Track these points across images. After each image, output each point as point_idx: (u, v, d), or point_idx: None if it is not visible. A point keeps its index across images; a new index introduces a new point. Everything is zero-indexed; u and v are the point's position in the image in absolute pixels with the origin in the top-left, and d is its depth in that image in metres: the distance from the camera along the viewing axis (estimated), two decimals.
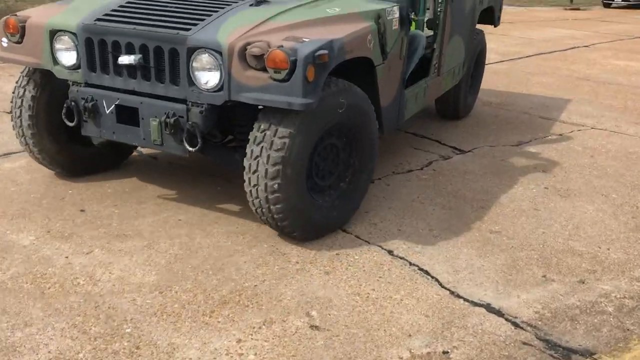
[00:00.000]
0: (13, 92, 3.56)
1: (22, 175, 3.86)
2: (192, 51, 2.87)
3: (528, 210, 3.76)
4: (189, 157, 3.29)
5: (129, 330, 2.39)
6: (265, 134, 2.84)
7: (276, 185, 2.85)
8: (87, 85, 3.21)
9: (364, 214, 3.55)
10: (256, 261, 2.97)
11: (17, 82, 3.55)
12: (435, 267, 3.02)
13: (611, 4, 24.06)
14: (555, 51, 10.72)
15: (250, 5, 3.13)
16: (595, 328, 2.58)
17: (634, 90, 7.53)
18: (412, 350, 2.36)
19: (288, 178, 2.86)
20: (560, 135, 5.42)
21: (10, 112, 3.58)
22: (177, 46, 2.89)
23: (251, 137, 2.90)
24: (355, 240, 3.24)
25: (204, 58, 2.84)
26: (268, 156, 2.82)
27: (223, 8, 3.08)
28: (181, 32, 2.90)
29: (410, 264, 3.04)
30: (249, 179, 2.93)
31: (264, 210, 2.97)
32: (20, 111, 3.49)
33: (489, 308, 2.68)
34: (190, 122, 2.95)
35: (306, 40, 2.76)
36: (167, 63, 2.95)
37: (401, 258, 3.09)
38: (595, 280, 2.97)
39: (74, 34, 3.15)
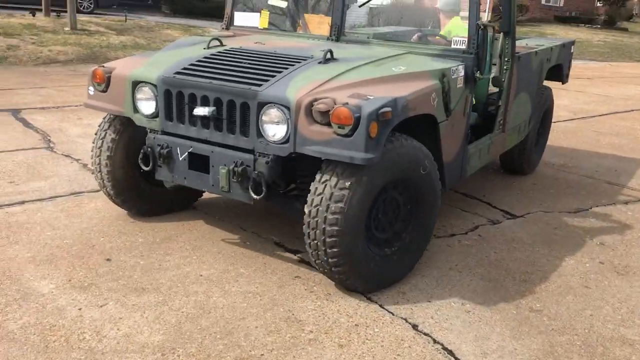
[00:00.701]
0: (95, 134, 3.82)
1: (62, 219, 3.94)
2: (262, 105, 3.04)
3: (577, 287, 3.44)
4: (228, 210, 3.23)
5: None
6: (326, 185, 2.95)
7: (334, 234, 2.93)
8: (163, 133, 3.42)
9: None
10: (268, 327, 2.83)
11: (99, 126, 3.83)
12: (461, 347, 2.77)
13: None
14: (633, 110, 10.16)
15: (319, 62, 3.27)
16: None
17: None
18: None
19: (346, 229, 2.93)
20: (626, 204, 5.02)
21: (91, 153, 3.84)
22: (248, 100, 3.07)
23: (312, 187, 3.02)
24: (378, 310, 3.04)
25: (273, 112, 3.01)
26: (327, 206, 2.92)
27: (293, 65, 3.24)
28: (252, 87, 3.07)
29: (435, 341, 2.80)
30: (309, 225, 3.01)
31: (320, 256, 3.03)
32: (100, 152, 3.76)
33: None
34: (256, 172, 3.11)
35: (370, 97, 2.89)
36: (238, 115, 3.12)
37: (425, 334, 2.86)
38: None
39: (154, 85, 3.37)
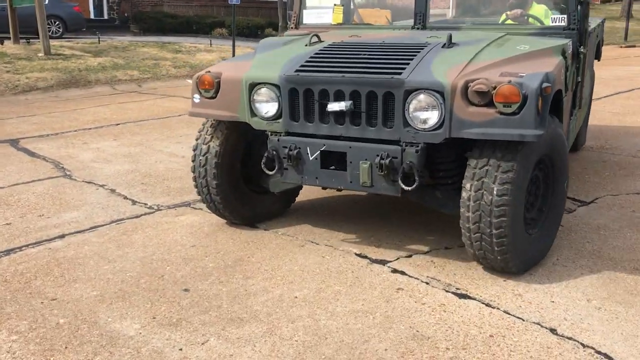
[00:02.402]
0: (194, 150, 3.65)
1: (113, 250, 3.53)
2: (409, 93, 2.91)
3: None
4: (288, 224, 2.90)
5: None
6: (487, 170, 2.85)
7: (502, 219, 2.84)
8: (288, 134, 3.26)
9: (502, 283, 3.06)
10: (398, 348, 2.50)
11: (199, 134, 3.64)
12: (615, 349, 2.49)
13: None
14: (634, 89, 10.13)
15: (443, 47, 3.18)
16: None
17: None
18: None
19: (513, 212, 2.86)
20: None
21: (193, 166, 3.67)
22: (393, 89, 2.94)
23: (469, 173, 2.92)
24: (505, 317, 2.74)
25: (423, 98, 2.89)
26: (492, 189, 2.82)
27: (419, 51, 3.13)
28: (395, 76, 2.94)
29: (584, 345, 2.51)
30: (469, 209, 2.91)
31: (484, 245, 2.94)
32: (206, 160, 3.57)
33: None
34: (407, 162, 2.97)
35: (523, 75, 2.78)
36: (380, 107, 2.99)
37: (569, 338, 2.57)
38: None
39: (275, 86, 3.20)
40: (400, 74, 2.96)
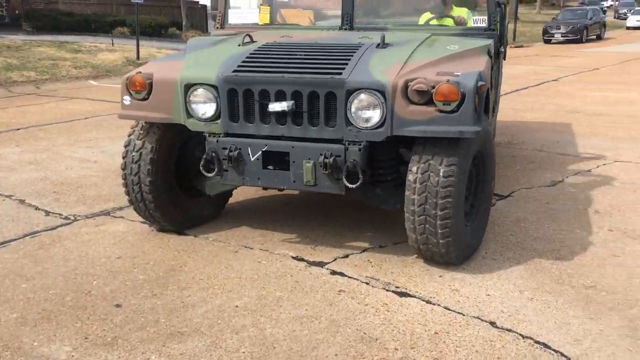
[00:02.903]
0: (126, 146, 3.46)
1: (31, 267, 3.26)
2: (350, 92, 2.94)
3: (608, 257, 3.42)
4: (219, 230, 2.79)
5: None
6: (429, 164, 2.93)
7: (447, 200, 2.92)
8: (227, 135, 3.19)
9: (439, 279, 3.12)
10: (348, 352, 2.48)
11: (130, 135, 3.47)
12: (551, 337, 2.60)
13: (551, 40, 25.02)
14: (529, 87, 10.79)
15: (377, 47, 3.22)
16: None
17: (628, 120, 7.49)
18: None
19: (456, 204, 2.96)
20: (589, 171, 5.19)
21: (124, 162, 3.47)
22: (334, 89, 2.95)
23: (412, 168, 2.98)
24: (447, 313, 2.79)
25: (365, 98, 2.93)
26: (437, 182, 2.91)
27: (355, 51, 3.16)
28: (335, 76, 2.95)
29: (523, 336, 2.61)
30: (414, 204, 2.98)
31: (428, 229, 3.00)
32: (139, 165, 3.42)
33: None
34: (351, 160, 3.00)
35: (458, 74, 2.88)
36: (322, 106, 2.99)
37: (509, 330, 2.66)
38: None
39: (213, 86, 3.12)
40: (340, 73, 2.98)
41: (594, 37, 26.44)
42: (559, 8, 42.81)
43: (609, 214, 4.12)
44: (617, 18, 43.70)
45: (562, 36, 24.77)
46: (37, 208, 4.20)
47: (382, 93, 2.91)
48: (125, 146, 3.49)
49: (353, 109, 2.96)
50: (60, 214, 4.09)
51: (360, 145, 3.00)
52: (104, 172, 5.10)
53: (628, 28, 34.55)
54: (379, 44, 3.24)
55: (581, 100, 9.16)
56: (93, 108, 8.42)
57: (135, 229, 3.83)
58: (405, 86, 2.89)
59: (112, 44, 15.54)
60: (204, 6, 24.87)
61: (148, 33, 19.26)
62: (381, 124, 2.94)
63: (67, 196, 4.47)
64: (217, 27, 4.19)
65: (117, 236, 3.71)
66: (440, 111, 2.83)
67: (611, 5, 53.27)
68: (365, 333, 2.62)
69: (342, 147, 3.01)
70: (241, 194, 4.39)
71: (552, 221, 3.99)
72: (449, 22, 4.02)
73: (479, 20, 3.79)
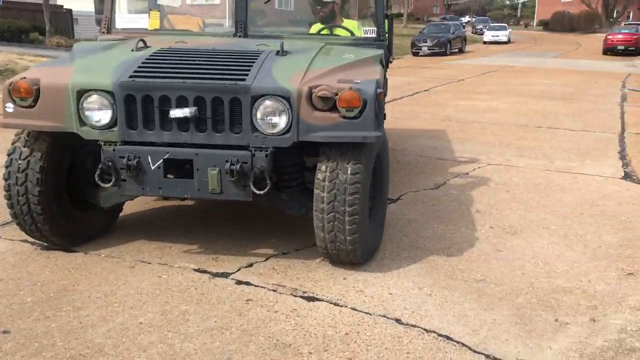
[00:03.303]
0: (10, 154, 3.23)
1: None
2: (255, 99, 2.94)
3: (492, 252, 3.69)
4: (110, 245, 2.66)
5: None
6: (337, 169, 3.02)
7: (355, 197, 3.02)
8: (124, 143, 3.05)
9: (343, 281, 3.19)
10: None
11: (14, 143, 3.24)
12: (452, 330, 2.76)
13: (419, 52, 26.58)
14: (404, 96, 11.34)
15: (277, 54, 3.25)
16: None
17: (495, 126, 8.13)
18: None
19: (363, 202, 3.07)
20: (467, 174, 5.57)
21: (8, 172, 3.22)
22: (239, 95, 2.94)
23: (320, 174, 3.05)
24: (354, 314, 2.87)
25: (270, 104, 2.94)
26: (345, 188, 3.00)
27: (256, 58, 3.17)
28: (239, 82, 2.94)
29: (427, 330, 2.74)
30: (323, 196, 3.04)
31: (336, 225, 3.07)
32: (25, 176, 3.19)
33: None
34: (258, 166, 3.00)
35: (358, 81, 2.98)
36: (227, 113, 2.97)
37: (413, 326, 2.78)
38: (604, 317, 2.92)
39: (109, 92, 2.98)
40: (244, 80, 2.97)
41: (457, 50, 28.43)
42: (423, 22, 45.67)
43: (489, 213, 4.44)
44: (475, 33, 47.54)
45: (428, 49, 26.38)
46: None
47: (287, 99, 2.94)
48: (9, 154, 3.22)
49: (259, 115, 2.97)
50: None
51: (267, 151, 3.01)
52: None
53: (485, 42, 37.59)
54: (278, 51, 3.27)
55: (453, 108, 9.79)
56: None
57: (15, 248, 3.53)
58: (310, 93, 2.94)
59: None
60: (69, 10, 23.54)
61: (7, 38, 17.90)
62: (287, 129, 2.97)
63: None
64: (103, 32, 3.98)
65: None
66: (344, 117, 2.92)
67: (469, 21, 57.80)
68: (278, 340, 2.62)
69: (248, 154, 3.01)
70: (133, 205, 4.20)
71: (439, 221, 4.23)
72: (340, 32, 4.14)
73: (368, 31, 3.95)
